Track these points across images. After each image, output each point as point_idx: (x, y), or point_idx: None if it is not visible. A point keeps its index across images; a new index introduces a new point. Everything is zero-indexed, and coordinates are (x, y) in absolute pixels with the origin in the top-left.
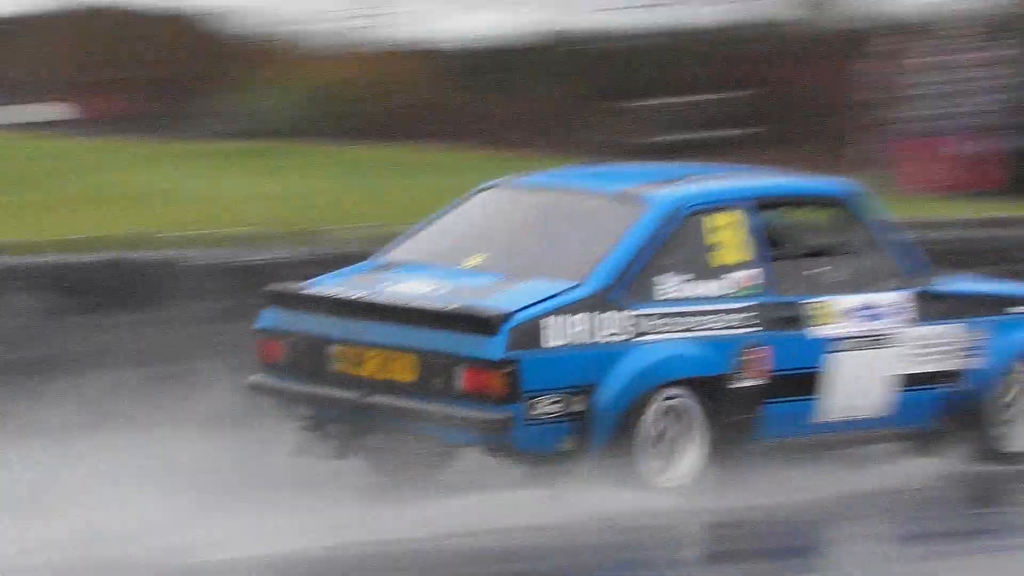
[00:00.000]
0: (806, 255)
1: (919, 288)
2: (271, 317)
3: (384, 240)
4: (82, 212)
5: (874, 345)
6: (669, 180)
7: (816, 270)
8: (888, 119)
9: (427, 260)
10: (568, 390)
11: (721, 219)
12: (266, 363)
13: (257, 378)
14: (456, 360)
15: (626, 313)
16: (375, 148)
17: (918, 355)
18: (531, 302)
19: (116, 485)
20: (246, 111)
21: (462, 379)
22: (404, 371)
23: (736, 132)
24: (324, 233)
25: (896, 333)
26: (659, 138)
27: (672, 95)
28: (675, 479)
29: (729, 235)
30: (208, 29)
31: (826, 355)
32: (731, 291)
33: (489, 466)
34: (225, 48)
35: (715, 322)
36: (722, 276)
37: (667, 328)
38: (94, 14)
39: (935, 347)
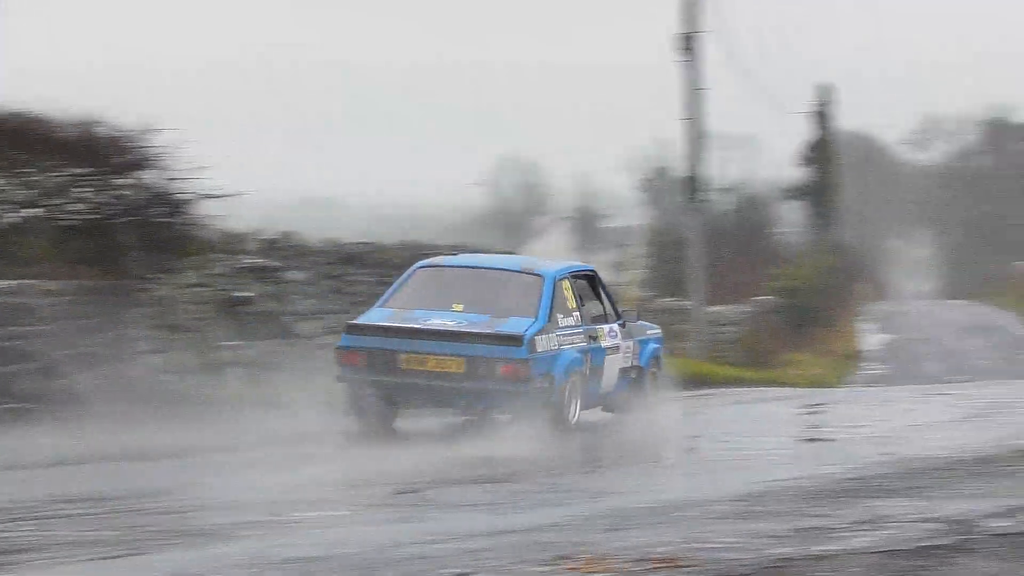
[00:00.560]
0: (592, 303)
1: (621, 321)
2: (348, 339)
3: None
4: None
5: (614, 352)
6: (532, 263)
7: (594, 312)
8: None
9: (427, 306)
10: (545, 374)
11: (567, 283)
12: (346, 367)
13: (341, 374)
14: (496, 359)
15: (554, 335)
16: None
17: (624, 357)
18: (526, 328)
19: None
20: None
21: (501, 370)
22: (457, 367)
23: None
24: None
25: (619, 345)
26: None
27: None
28: (574, 417)
29: (570, 292)
30: None
31: (604, 357)
32: (576, 323)
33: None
34: None
35: (576, 339)
36: (571, 315)
37: (566, 343)
38: None
39: (628, 353)
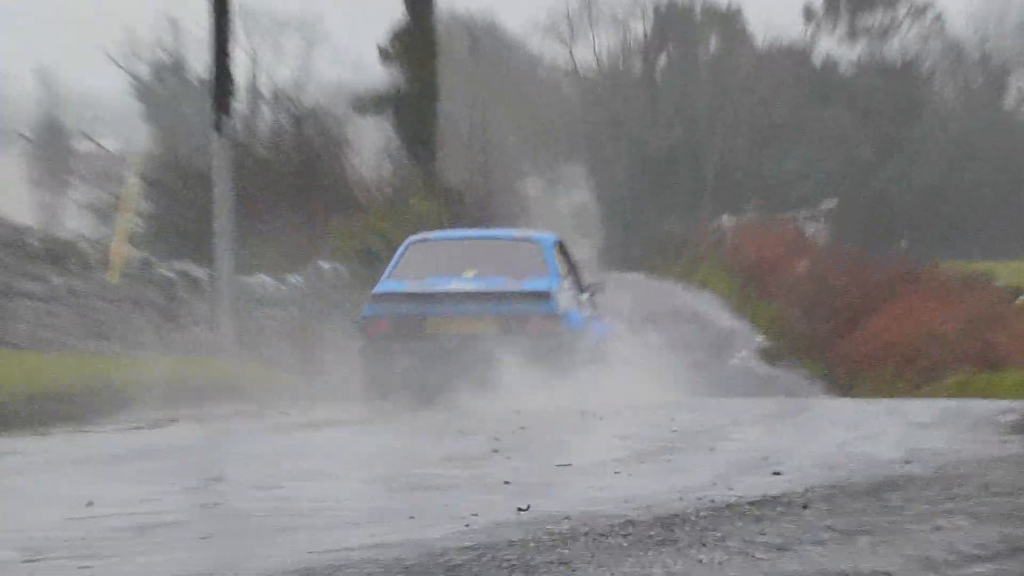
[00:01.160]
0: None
1: (589, 293)
2: (371, 308)
3: None
4: None
5: (593, 322)
6: (525, 232)
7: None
8: None
9: (439, 274)
10: (566, 322)
11: (560, 248)
12: (371, 336)
13: (365, 344)
14: (528, 315)
15: (568, 294)
16: None
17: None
18: (549, 286)
19: None
20: None
21: (536, 326)
22: (488, 327)
23: None
24: None
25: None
26: None
27: None
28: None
29: (562, 258)
30: None
31: (591, 324)
32: (572, 288)
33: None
34: None
35: (577, 302)
36: (568, 279)
37: (572, 305)
38: None
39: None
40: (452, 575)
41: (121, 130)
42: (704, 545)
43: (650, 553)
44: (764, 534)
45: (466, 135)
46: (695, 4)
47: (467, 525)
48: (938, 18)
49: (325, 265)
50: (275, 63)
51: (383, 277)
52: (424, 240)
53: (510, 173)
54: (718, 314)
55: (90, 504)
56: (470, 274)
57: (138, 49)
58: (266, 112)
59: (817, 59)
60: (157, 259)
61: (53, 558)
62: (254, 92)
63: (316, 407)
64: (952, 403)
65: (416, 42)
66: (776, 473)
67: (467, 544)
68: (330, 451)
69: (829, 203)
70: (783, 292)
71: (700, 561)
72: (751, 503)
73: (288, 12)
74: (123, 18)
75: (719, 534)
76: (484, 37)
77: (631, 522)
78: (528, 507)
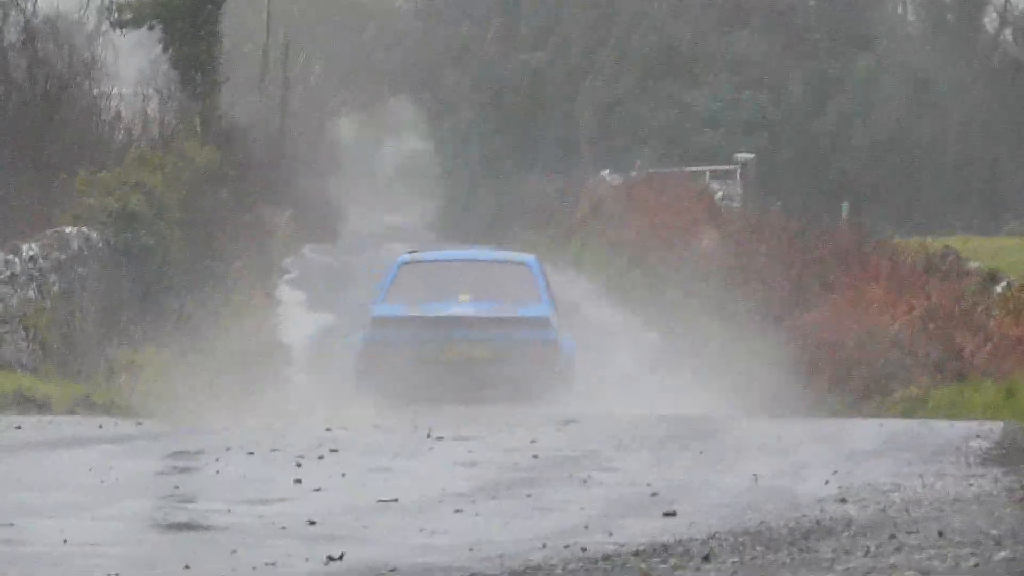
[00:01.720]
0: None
1: None
2: (372, 333)
3: None
4: None
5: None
6: (510, 254)
7: None
8: None
9: (434, 298)
10: (561, 347)
11: (541, 269)
12: (372, 360)
13: (367, 367)
14: (529, 344)
15: (553, 315)
16: None
17: None
18: (545, 312)
19: None
20: None
21: (533, 351)
22: (488, 352)
23: None
24: None
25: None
26: None
27: None
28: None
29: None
30: None
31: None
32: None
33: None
34: None
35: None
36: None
37: (559, 322)
38: None
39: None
40: None
41: None
42: None
43: None
44: None
45: (258, 60)
46: None
47: None
48: None
49: (70, 231)
50: None
51: (377, 299)
52: (415, 261)
53: (316, 111)
54: (595, 304)
55: None
56: (465, 298)
57: None
58: None
59: None
60: None
61: None
62: None
63: (59, 419)
64: (903, 424)
65: None
66: (669, 514)
67: None
68: (77, 477)
69: (745, 156)
70: (683, 275)
71: None
72: (635, 553)
73: None
74: None
75: None
76: None
77: None
78: (341, 556)
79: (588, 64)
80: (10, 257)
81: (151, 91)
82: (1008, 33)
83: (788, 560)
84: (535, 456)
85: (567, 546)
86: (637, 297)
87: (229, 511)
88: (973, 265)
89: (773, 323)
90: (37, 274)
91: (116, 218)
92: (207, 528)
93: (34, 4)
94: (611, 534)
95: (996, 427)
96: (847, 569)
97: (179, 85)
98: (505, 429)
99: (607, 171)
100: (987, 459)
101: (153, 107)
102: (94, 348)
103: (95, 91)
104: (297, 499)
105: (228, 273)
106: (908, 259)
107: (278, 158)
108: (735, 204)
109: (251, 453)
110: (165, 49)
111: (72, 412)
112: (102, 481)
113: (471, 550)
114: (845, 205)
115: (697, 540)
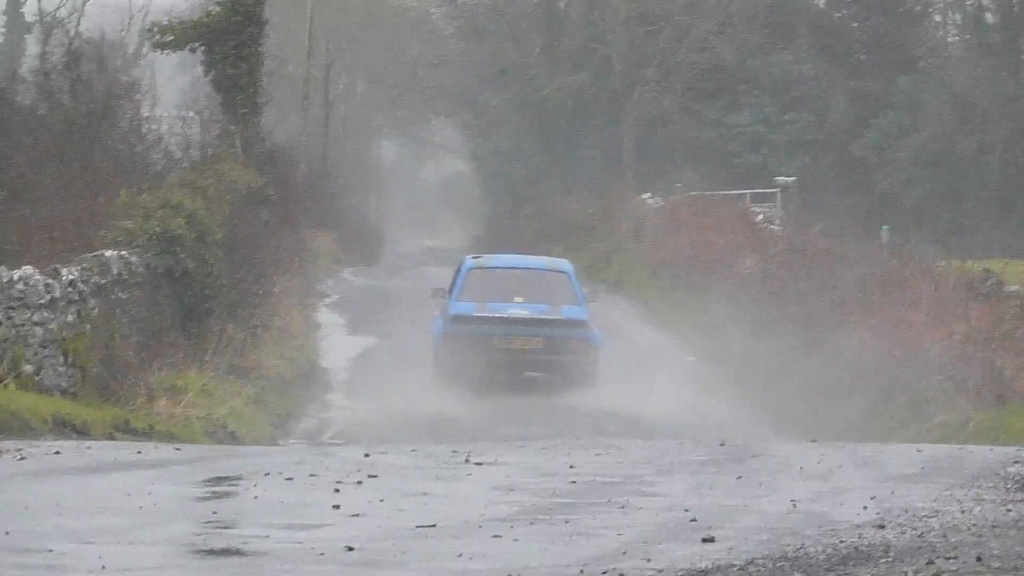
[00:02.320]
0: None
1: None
2: (451, 326)
3: None
4: None
5: None
6: (554, 261)
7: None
8: None
9: (495, 299)
10: (596, 342)
11: (576, 275)
12: (450, 346)
13: (448, 353)
14: (570, 340)
15: (589, 317)
16: None
17: None
18: (584, 316)
19: None
20: None
21: (573, 346)
22: (538, 344)
23: None
24: None
25: None
26: None
27: None
28: None
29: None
30: None
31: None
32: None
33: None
34: None
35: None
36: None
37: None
38: None
39: None
40: None
41: None
42: None
43: None
44: None
45: (300, 82)
46: None
47: None
48: None
49: (110, 255)
50: None
51: (451, 299)
52: (479, 267)
53: (359, 132)
54: (635, 325)
55: None
56: (520, 300)
57: None
58: (31, 45)
59: None
60: None
61: None
62: (14, 17)
63: (98, 444)
64: (943, 449)
65: None
66: (708, 540)
67: None
68: (116, 502)
69: (786, 179)
70: (724, 297)
71: None
72: None
73: None
74: None
75: None
76: None
77: None
78: None
79: (630, 84)
80: (50, 281)
81: (192, 113)
82: None
83: None
84: (573, 481)
85: (605, 572)
86: (678, 319)
87: (267, 536)
88: (1013, 288)
89: (813, 346)
90: (77, 298)
91: (157, 241)
92: (245, 554)
93: (77, 25)
94: (649, 560)
95: None
96: None
97: (220, 107)
98: (543, 454)
99: (649, 193)
100: None
101: (195, 129)
102: (134, 372)
103: (137, 113)
104: (335, 524)
105: (269, 296)
106: (949, 282)
107: (320, 180)
108: (776, 226)
109: (289, 478)
110: (207, 71)
111: (111, 437)
112: (140, 506)
113: (509, 575)
114: (886, 229)
115: (736, 566)
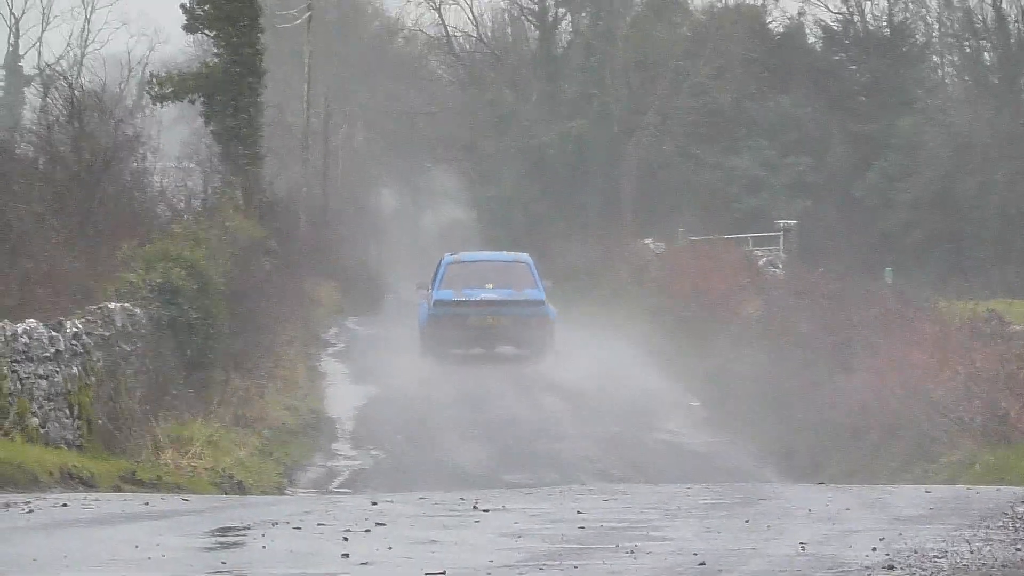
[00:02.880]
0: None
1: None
2: (436, 309)
3: None
4: None
5: None
6: (516, 255)
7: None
8: None
9: (470, 286)
10: (550, 316)
11: (535, 265)
12: (435, 324)
13: (433, 331)
14: (532, 316)
15: (545, 297)
16: None
17: None
18: (541, 296)
19: None
20: None
21: (534, 321)
22: (506, 321)
23: None
24: None
25: None
26: None
27: None
28: None
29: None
30: None
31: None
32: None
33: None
34: None
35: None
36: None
37: (547, 299)
38: None
39: None
40: None
41: None
42: None
43: None
44: None
45: (300, 131)
46: None
47: None
48: None
49: (114, 307)
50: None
51: (434, 288)
52: (456, 261)
53: (358, 181)
54: (639, 370)
55: None
56: (490, 286)
57: None
58: (31, 97)
59: (776, 26)
60: None
61: None
62: (14, 70)
63: (104, 495)
64: (950, 490)
65: (234, 1)
66: None
67: None
68: (124, 553)
69: (787, 223)
70: (727, 341)
71: None
72: None
73: None
74: None
75: None
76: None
77: None
78: None
79: (629, 130)
80: (54, 334)
81: (193, 164)
82: None
83: None
84: (581, 527)
85: None
86: (681, 363)
87: None
88: (1017, 328)
89: (817, 387)
90: (81, 351)
91: (159, 292)
92: None
93: (77, 77)
94: None
95: None
96: None
97: (221, 158)
98: (550, 499)
99: (650, 239)
100: None
101: (195, 180)
102: (139, 424)
103: (138, 165)
104: (345, 573)
105: (273, 346)
106: (952, 322)
107: (321, 229)
108: (778, 269)
109: (298, 527)
110: (206, 122)
111: (118, 489)
112: (149, 557)
113: None
114: (889, 271)
115: None
